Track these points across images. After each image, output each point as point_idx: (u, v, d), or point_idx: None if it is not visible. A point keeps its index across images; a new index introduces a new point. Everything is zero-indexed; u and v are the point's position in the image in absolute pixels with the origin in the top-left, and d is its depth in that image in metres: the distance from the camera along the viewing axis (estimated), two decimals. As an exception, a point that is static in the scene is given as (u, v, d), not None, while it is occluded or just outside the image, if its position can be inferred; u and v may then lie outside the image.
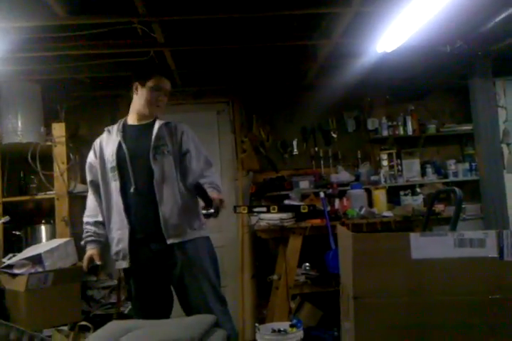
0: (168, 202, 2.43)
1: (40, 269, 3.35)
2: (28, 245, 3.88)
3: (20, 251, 3.71)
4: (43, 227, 4.04)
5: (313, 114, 4.67)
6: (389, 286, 1.49)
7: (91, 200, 2.63)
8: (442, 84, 4.63)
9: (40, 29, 3.11)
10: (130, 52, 3.59)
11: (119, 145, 2.52)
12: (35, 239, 3.98)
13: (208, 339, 2.01)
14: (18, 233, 4.04)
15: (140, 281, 2.54)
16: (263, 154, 4.61)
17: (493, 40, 3.67)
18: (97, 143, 2.66)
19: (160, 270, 2.49)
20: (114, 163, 2.49)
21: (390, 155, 4.59)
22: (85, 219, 2.61)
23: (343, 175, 4.47)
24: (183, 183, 2.50)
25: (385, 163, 4.57)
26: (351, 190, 4.23)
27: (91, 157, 2.66)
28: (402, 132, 4.65)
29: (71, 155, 4.01)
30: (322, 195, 3.87)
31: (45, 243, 3.82)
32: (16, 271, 3.35)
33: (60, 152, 3.93)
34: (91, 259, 2.53)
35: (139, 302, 2.58)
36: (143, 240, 2.47)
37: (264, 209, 3.67)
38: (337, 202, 4.12)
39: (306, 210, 3.69)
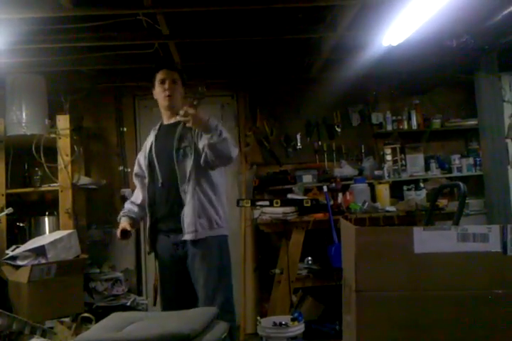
0: (190, 202, 2.53)
1: (43, 261, 3.37)
2: (31, 237, 3.90)
3: (23, 242, 3.73)
4: (46, 219, 4.06)
5: (318, 107, 4.65)
6: (391, 280, 1.49)
7: (137, 189, 2.85)
8: (448, 78, 4.60)
9: (45, 21, 3.11)
10: (135, 45, 3.58)
11: (151, 144, 2.72)
12: (39, 231, 4.00)
13: (210, 331, 2.02)
14: (21, 224, 4.06)
15: (162, 268, 2.71)
16: (267, 148, 4.60)
17: (500, 34, 3.63)
18: (146, 142, 2.85)
19: (177, 259, 2.62)
20: (147, 161, 2.70)
21: (394, 150, 4.57)
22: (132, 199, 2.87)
23: (346, 170, 4.46)
24: (205, 182, 2.59)
25: (388, 157, 4.55)
26: (354, 184, 4.22)
27: (140, 153, 2.87)
28: (406, 126, 4.62)
29: (75, 147, 4.02)
30: (325, 189, 3.86)
31: (49, 235, 3.84)
32: (19, 263, 3.37)
33: (64, 144, 3.93)
34: (122, 229, 2.70)
35: (162, 289, 2.72)
36: (164, 231, 2.65)
37: (267, 202, 3.68)
38: (340, 196, 4.11)
39: (309, 204, 3.70)
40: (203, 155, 2.48)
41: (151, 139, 2.76)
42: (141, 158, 2.79)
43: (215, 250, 2.60)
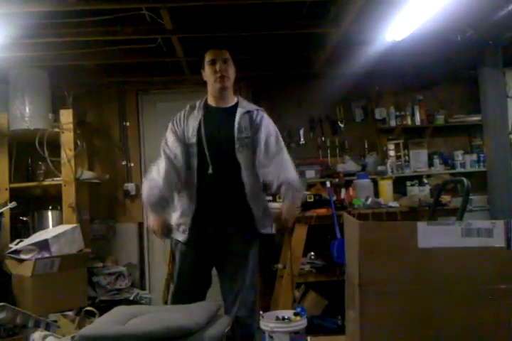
0: (254, 195, 2.48)
1: (46, 255, 3.38)
2: (35, 231, 3.92)
3: (27, 236, 3.75)
4: (49, 213, 4.08)
5: (321, 103, 4.65)
6: (395, 275, 1.49)
7: (165, 165, 2.50)
8: (452, 73, 4.59)
9: (48, 15, 3.11)
10: (138, 39, 3.58)
11: (200, 124, 2.50)
12: (42, 225, 4.02)
13: (213, 325, 2.02)
14: (25, 219, 4.08)
15: (187, 257, 2.54)
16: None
17: (504, 29, 3.62)
18: (178, 117, 2.60)
19: (207, 251, 2.51)
20: (194, 140, 2.48)
21: (397, 146, 4.57)
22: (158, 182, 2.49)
23: (349, 165, 4.46)
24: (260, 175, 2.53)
25: (392, 153, 4.55)
26: (357, 179, 4.21)
27: (174, 126, 2.57)
28: (410, 122, 4.61)
29: (78, 141, 4.03)
30: (328, 184, 3.86)
31: (52, 229, 3.85)
32: (23, 257, 3.38)
33: (67, 138, 3.94)
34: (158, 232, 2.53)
35: (178, 280, 2.59)
36: (204, 222, 2.49)
37: (270, 198, 3.67)
38: (343, 191, 4.11)
39: (312, 200, 3.70)
40: (271, 181, 2.50)
41: (196, 117, 2.53)
42: (182, 133, 2.52)
43: (256, 247, 2.59)
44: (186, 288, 2.56)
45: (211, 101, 2.60)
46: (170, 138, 2.56)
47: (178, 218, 2.52)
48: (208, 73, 2.54)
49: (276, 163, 2.51)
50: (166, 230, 2.52)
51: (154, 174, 2.51)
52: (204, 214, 2.49)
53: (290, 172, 2.54)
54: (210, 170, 2.45)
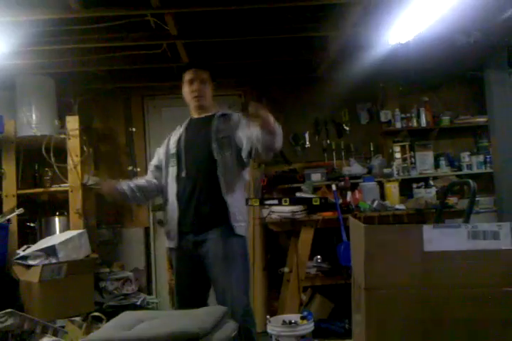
0: (232, 192, 2.54)
1: (53, 260, 3.40)
2: (42, 237, 3.93)
3: (34, 242, 3.76)
4: (56, 219, 4.09)
5: (326, 106, 4.65)
6: (401, 278, 1.49)
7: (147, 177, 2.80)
8: (457, 75, 4.58)
9: (54, 22, 3.13)
10: (143, 45, 3.60)
11: (180, 135, 2.70)
12: (49, 231, 4.03)
13: (219, 330, 2.02)
14: (32, 225, 4.10)
15: (179, 264, 2.65)
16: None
17: (510, 31, 3.60)
18: (169, 134, 2.83)
19: (196, 257, 2.56)
20: (174, 150, 2.66)
21: (403, 148, 4.55)
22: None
23: (355, 168, 4.44)
24: (242, 175, 2.63)
25: (397, 155, 4.53)
26: (363, 182, 4.21)
27: (161, 146, 2.82)
28: (415, 124, 4.60)
29: (84, 147, 4.04)
30: (334, 187, 3.85)
31: (59, 234, 3.87)
32: (30, 262, 3.40)
33: (73, 145, 3.96)
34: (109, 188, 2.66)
35: (178, 288, 2.68)
36: (185, 226, 2.57)
37: (276, 201, 3.68)
38: (349, 194, 4.10)
39: (317, 203, 3.69)
40: (249, 145, 2.49)
41: (179, 132, 2.73)
42: (164, 150, 2.74)
43: (242, 248, 2.58)
44: (185, 293, 2.63)
45: (193, 114, 2.78)
46: (154, 160, 2.82)
47: (167, 226, 2.66)
48: (185, 92, 2.71)
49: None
50: (117, 194, 2.63)
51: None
52: (184, 218, 2.57)
53: None
54: (183, 174, 2.58)
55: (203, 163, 2.57)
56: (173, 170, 2.64)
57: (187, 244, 2.57)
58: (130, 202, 2.94)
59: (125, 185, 2.66)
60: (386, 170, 4.41)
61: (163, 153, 2.74)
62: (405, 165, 4.51)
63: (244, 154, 2.54)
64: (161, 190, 2.72)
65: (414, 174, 4.50)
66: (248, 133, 2.51)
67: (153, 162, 2.82)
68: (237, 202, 2.56)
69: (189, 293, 2.63)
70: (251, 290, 4.01)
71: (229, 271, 2.50)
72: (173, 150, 2.67)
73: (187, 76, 2.69)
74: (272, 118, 2.33)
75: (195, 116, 2.75)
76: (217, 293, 2.54)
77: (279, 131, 2.41)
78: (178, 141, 2.67)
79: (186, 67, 2.75)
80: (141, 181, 2.74)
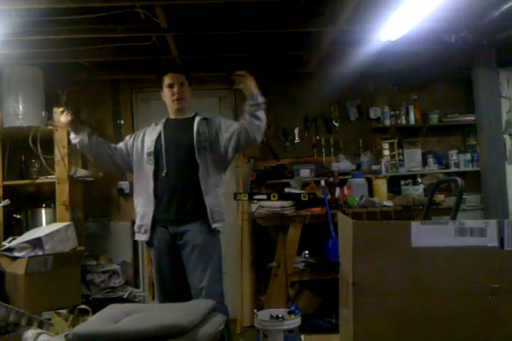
0: (212, 193, 2.67)
1: (40, 252, 3.37)
2: (28, 228, 3.90)
3: (20, 234, 3.73)
4: (43, 211, 4.06)
5: (316, 102, 4.65)
6: (389, 274, 1.49)
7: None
8: (446, 73, 4.60)
9: (42, 12, 3.08)
10: (132, 37, 3.56)
11: (159, 135, 2.77)
12: (36, 223, 4.00)
13: (207, 323, 2.02)
14: (18, 216, 4.06)
15: (159, 259, 2.74)
16: (264, 142, 4.58)
17: (498, 30, 3.63)
18: (142, 131, 2.94)
19: (173, 249, 2.69)
20: (151, 149, 2.74)
21: (391, 145, 4.58)
22: None
23: (344, 164, 4.46)
24: (219, 177, 2.75)
25: (386, 152, 4.56)
26: (352, 178, 4.22)
27: (133, 137, 2.92)
28: (404, 121, 4.63)
29: (72, 139, 4.00)
30: (323, 183, 3.87)
31: (46, 226, 3.84)
32: (16, 254, 3.37)
33: (61, 136, 3.91)
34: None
35: (159, 281, 2.76)
36: (162, 221, 2.70)
37: (265, 196, 3.68)
38: (337, 190, 4.11)
39: (306, 198, 3.70)
40: (236, 136, 2.63)
41: (157, 130, 2.80)
42: (139, 145, 2.82)
43: (217, 242, 2.72)
44: (166, 286, 2.73)
45: (171, 115, 2.89)
46: (122, 144, 2.93)
47: (139, 220, 2.76)
48: (166, 95, 2.83)
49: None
50: (71, 123, 2.77)
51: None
52: (162, 214, 2.68)
53: None
54: (163, 174, 2.68)
55: (185, 165, 2.68)
56: (149, 168, 2.72)
57: (164, 236, 2.68)
58: (80, 143, 2.83)
59: (87, 129, 2.79)
60: (374, 167, 4.44)
61: (136, 148, 2.82)
62: (394, 162, 4.54)
63: (231, 147, 2.66)
64: (115, 164, 2.87)
65: (402, 171, 4.54)
66: (234, 126, 2.67)
67: (121, 145, 2.91)
68: (216, 203, 2.68)
69: (170, 286, 2.72)
70: (239, 284, 4.04)
71: (206, 262, 2.62)
72: (151, 148, 2.74)
73: (166, 80, 2.80)
74: (254, 84, 2.62)
75: (173, 117, 2.86)
76: (194, 281, 2.63)
77: (263, 116, 2.66)
78: (157, 140, 2.75)
79: (164, 71, 2.85)
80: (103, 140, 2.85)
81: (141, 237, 2.76)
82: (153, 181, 2.69)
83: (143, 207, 2.73)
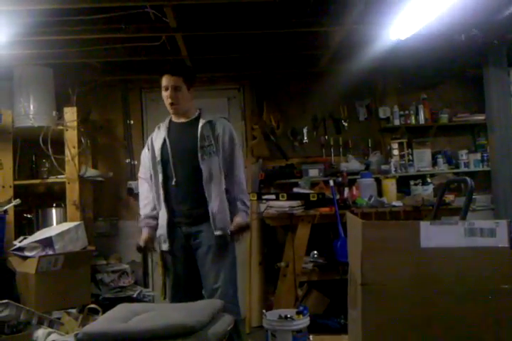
0: (216, 199, 2.64)
1: (50, 252, 3.39)
2: (38, 228, 3.92)
3: (31, 233, 3.76)
4: (53, 210, 4.09)
5: (325, 101, 4.64)
6: (397, 274, 1.49)
7: (145, 189, 2.86)
8: (456, 73, 4.58)
9: (53, 12, 3.11)
10: (142, 37, 3.58)
11: (164, 141, 2.73)
12: (46, 222, 4.03)
13: (215, 323, 2.03)
14: (29, 216, 4.09)
15: (174, 259, 2.74)
16: (273, 141, 4.59)
17: (509, 29, 3.60)
18: (149, 139, 2.87)
19: (188, 250, 2.70)
20: (159, 158, 2.71)
21: (401, 145, 4.56)
22: (142, 207, 2.87)
23: (353, 164, 4.45)
24: (226, 181, 2.71)
25: (395, 152, 4.54)
26: (361, 178, 4.21)
27: (145, 151, 2.87)
28: (413, 121, 4.60)
29: (82, 139, 4.03)
30: (331, 183, 3.86)
31: (56, 226, 3.86)
32: (27, 254, 3.40)
33: (71, 136, 3.95)
34: (140, 246, 2.78)
35: (172, 279, 2.77)
36: (177, 222, 2.71)
37: (273, 196, 3.68)
38: (346, 190, 4.11)
39: (315, 198, 3.70)
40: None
41: (162, 136, 2.76)
42: (150, 156, 2.78)
43: (231, 245, 2.70)
44: (179, 288, 2.74)
45: (173, 118, 2.82)
46: (142, 162, 2.87)
47: (159, 230, 2.76)
48: (163, 95, 2.75)
49: (232, 177, 2.71)
50: (151, 245, 2.79)
51: (144, 191, 2.85)
52: (175, 222, 2.70)
53: (243, 190, 2.77)
54: (173, 183, 2.66)
55: (190, 172, 2.66)
56: (160, 177, 2.71)
57: (179, 235, 2.70)
58: None
59: (151, 229, 2.78)
60: (384, 167, 4.42)
61: (148, 159, 2.80)
62: (403, 162, 4.52)
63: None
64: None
65: (411, 171, 4.51)
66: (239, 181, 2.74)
67: (145, 169, 2.85)
68: (221, 209, 2.65)
69: (184, 287, 2.72)
70: (247, 284, 4.04)
71: (221, 262, 2.63)
72: (158, 157, 2.72)
73: (162, 82, 2.72)
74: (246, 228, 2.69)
75: (175, 120, 2.81)
76: (208, 282, 2.63)
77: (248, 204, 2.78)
78: (162, 147, 2.72)
79: (161, 72, 2.76)
80: (153, 211, 2.80)
81: (163, 247, 2.75)
82: (162, 190, 2.70)
83: (161, 216, 2.75)
